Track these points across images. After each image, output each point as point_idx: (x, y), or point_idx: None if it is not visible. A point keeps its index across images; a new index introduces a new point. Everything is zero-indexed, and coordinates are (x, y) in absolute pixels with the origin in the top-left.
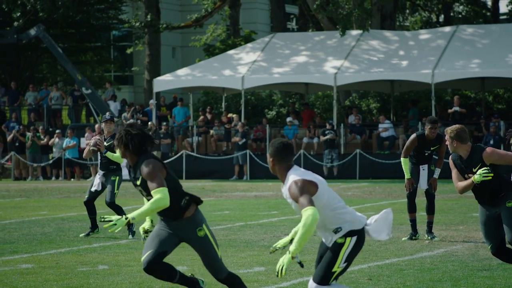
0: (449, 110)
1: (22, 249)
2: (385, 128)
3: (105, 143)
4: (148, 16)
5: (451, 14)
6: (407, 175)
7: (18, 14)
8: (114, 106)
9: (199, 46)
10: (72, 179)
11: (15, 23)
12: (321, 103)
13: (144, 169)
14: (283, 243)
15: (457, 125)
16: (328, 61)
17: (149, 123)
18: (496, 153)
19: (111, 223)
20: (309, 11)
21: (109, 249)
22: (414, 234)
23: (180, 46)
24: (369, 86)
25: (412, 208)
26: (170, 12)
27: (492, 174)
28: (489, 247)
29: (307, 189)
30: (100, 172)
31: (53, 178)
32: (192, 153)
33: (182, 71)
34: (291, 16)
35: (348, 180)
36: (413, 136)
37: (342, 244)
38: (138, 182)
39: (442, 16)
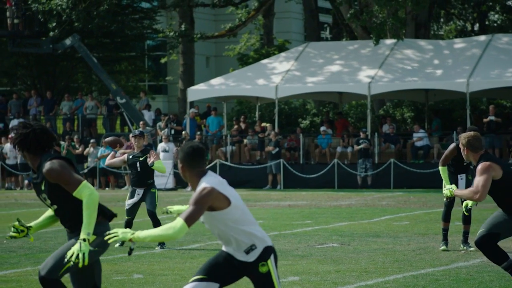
0: (484, 119)
1: None
2: (419, 137)
3: (140, 158)
4: (182, 26)
5: (486, 22)
6: (446, 183)
7: (54, 24)
8: (148, 115)
9: (233, 55)
10: (107, 188)
11: (51, 33)
12: (355, 112)
13: (49, 169)
14: (176, 209)
15: (471, 132)
16: (362, 70)
17: (183, 132)
18: (478, 170)
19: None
20: (343, 20)
21: (144, 258)
22: (445, 244)
23: (214, 56)
24: (403, 95)
25: (447, 217)
26: (204, 21)
27: (450, 193)
28: (479, 231)
29: (206, 201)
30: (139, 191)
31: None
32: (226, 163)
33: (216, 81)
34: (325, 25)
35: (382, 189)
36: (452, 145)
37: (268, 273)
38: (43, 187)
39: (477, 24)
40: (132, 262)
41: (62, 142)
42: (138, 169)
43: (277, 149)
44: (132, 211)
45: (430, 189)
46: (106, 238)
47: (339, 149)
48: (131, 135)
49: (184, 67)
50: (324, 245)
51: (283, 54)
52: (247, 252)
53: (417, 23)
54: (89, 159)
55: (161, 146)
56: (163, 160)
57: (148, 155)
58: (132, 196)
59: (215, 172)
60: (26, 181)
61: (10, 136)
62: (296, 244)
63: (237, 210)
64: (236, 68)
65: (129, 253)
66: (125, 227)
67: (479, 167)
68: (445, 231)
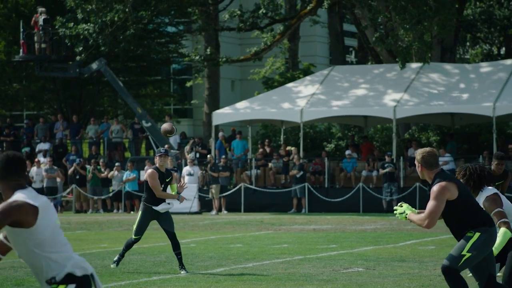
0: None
1: None
2: (445, 161)
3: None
4: (208, 50)
5: None
6: None
7: (81, 48)
8: (173, 139)
9: (258, 79)
10: (132, 212)
11: (78, 58)
12: (380, 136)
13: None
14: None
15: (427, 149)
16: (388, 93)
17: (208, 156)
18: (432, 192)
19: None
20: (368, 43)
21: (168, 282)
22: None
23: (239, 79)
24: (429, 119)
25: None
26: (230, 45)
27: (403, 215)
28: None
29: (12, 214)
30: (155, 207)
31: (114, 211)
32: (250, 186)
33: (241, 104)
34: (350, 49)
35: None
36: None
37: None
38: None
39: (504, 48)
40: (157, 286)
41: (87, 166)
42: (161, 188)
43: (301, 172)
44: (143, 230)
45: None
46: None
47: (364, 173)
48: (156, 153)
49: (210, 91)
50: (349, 270)
51: (308, 77)
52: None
53: (443, 47)
54: (113, 182)
55: (186, 169)
56: (189, 183)
57: (172, 177)
58: (147, 213)
59: (240, 195)
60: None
61: (36, 160)
62: (321, 269)
63: (45, 230)
64: (261, 92)
65: None
66: (132, 244)
67: (433, 188)
68: None
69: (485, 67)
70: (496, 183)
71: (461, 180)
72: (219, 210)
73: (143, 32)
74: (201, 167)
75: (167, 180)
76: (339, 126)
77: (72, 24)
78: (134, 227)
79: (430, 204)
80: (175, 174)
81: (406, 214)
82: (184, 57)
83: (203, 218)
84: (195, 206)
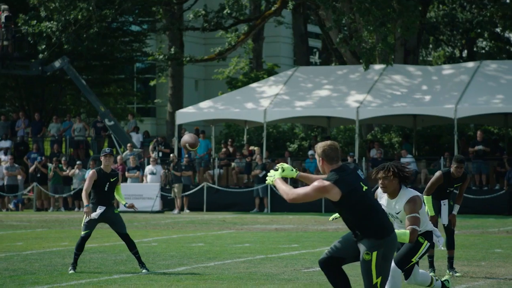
0: (473, 149)
1: (43, 280)
2: (407, 162)
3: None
4: (172, 49)
5: (475, 49)
6: (431, 213)
7: (43, 46)
8: (136, 137)
9: (222, 79)
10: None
11: (40, 55)
12: (343, 137)
13: None
14: None
15: (328, 142)
16: (351, 95)
17: (171, 155)
18: (316, 182)
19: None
20: (332, 45)
21: (129, 280)
22: (432, 270)
23: (203, 79)
24: (392, 120)
25: (431, 244)
26: (194, 45)
27: (271, 178)
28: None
29: None
30: (101, 207)
31: (75, 209)
32: (213, 185)
33: (204, 104)
34: (314, 50)
35: None
36: (438, 173)
37: None
38: None
39: (466, 51)
40: (117, 284)
41: (49, 164)
42: (106, 189)
43: (264, 172)
44: (92, 227)
45: None
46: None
47: None
48: (101, 153)
49: (173, 90)
50: (311, 269)
51: (272, 78)
52: None
53: (406, 49)
54: (74, 181)
55: (148, 168)
56: (150, 183)
57: (118, 178)
58: (94, 210)
59: (202, 194)
60: (12, 203)
61: None
62: (282, 268)
63: None
64: (225, 92)
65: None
66: (82, 243)
67: (315, 182)
68: (431, 257)
69: (447, 69)
70: (455, 185)
71: (390, 178)
72: (181, 209)
73: (106, 30)
74: (163, 166)
75: (111, 180)
76: (302, 126)
77: (35, 21)
78: (82, 225)
79: (306, 190)
80: (121, 175)
81: (273, 178)
82: (148, 56)
83: (165, 217)
84: (157, 205)
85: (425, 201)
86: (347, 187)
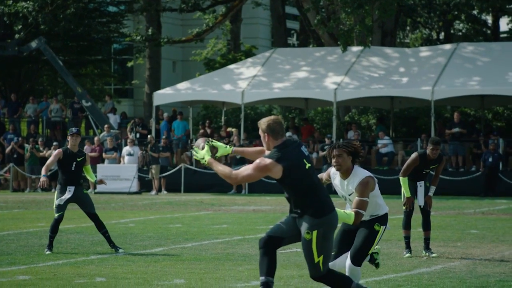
0: (450, 131)
1: (20, 261)
2: (384, 144)
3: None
4: (149, 30)
5: (452, 31)
6: (407, 194)
7: (20, 26)
8: (113, 119)
9: (200, 60)
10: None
11: (16, 36)
12: (320, 119)
13: None
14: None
15: (272, 117)
16: (328, 76)
17: (149, 136)
18: (255, 162)
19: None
20: (310, 26)
21: (107, 261)
22: (409, 251)
23: (181, 60)
24: (369, 102)
25: (407, 225)
26: (171, 26)
27: (203, 160)
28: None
29: None
30: (70, 188)
31: (52, 190)
32: (191, 167)
33: (182, 85)
34: (292, 31)
35: None
36: (414, 155)
37: None
38: None
39: (443, 33)
40: (94, 265)
41: (26, 145)
42: (73, 168)
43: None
44: (64, 207)
45: (394, 195)
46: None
47: None
48: (68, 132)
49: (151, 71)
50: (288, 250)
51: (249, 59)
52: None
53: (383, 31)
54: None
55: (126, 149)
56: (128, 164)
57: (85, 158)
58: (63, 193)
59: (180, 176)
60: None
61: None
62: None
63: None
64: (202, 73)
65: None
66: (56, 225)
67: (257, 160)
68: (407, 238)
69: (424, 52)
70: (431, 167)
71: (343, 155)
72: (159, 190)
73: (83, 11)
74: (141, 147)
75: (78, 160)
76: (280, 108)
77: (11, 1)
78: (54, 208)
79: (249, 171)
80: (88, 156)
81: (205, 161)
82: (125, 37)
83: (142, 198)
84: (135, 186)
85: (401, 183)
86: (288, 163)
